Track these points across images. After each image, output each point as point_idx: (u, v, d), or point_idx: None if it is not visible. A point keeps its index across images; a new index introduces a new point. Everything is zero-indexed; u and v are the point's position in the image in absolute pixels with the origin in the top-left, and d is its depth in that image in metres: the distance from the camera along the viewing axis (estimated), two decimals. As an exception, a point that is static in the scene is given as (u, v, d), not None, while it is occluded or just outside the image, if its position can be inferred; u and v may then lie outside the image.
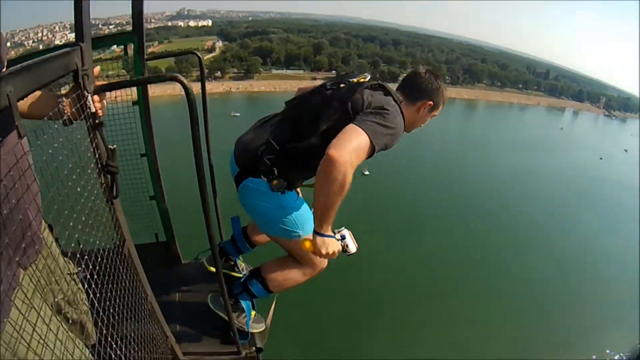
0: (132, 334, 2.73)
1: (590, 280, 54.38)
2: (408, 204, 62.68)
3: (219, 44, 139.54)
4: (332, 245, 2.27)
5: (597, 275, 55.77)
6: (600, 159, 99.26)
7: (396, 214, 58.55)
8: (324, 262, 2.79)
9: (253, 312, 3.29)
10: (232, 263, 3.73)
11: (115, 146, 1.94)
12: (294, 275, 2.88)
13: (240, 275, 3.42)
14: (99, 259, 2.18)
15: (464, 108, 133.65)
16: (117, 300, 2.46)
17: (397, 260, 47.26)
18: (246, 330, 3.31)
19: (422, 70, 2.63)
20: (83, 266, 2.01)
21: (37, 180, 1.59)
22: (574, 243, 61.58)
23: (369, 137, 2.09)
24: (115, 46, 4.13)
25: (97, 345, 2.23)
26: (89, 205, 1.85)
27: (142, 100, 4.19)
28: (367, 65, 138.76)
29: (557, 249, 59.43)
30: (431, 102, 2.58)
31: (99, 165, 1.93)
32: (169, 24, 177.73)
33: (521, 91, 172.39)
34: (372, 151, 2.13)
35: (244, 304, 3.08)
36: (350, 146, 2.02)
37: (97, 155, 1.86)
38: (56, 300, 2.27)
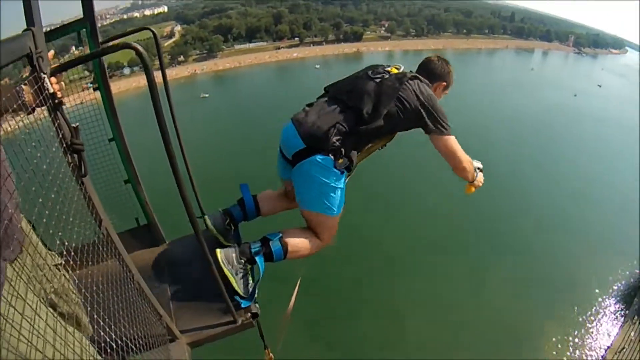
0: (123, 316, 2.88)
1: (586, 212, 55.78)
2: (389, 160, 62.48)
3: (178, 28, 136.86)
4: (480, 177, 3.45)
5: (594, 207, 57.28)
6: (575, 95, 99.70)
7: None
8: (332, 239, 3.21)
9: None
10: (232, 229, 3.73)
11: (77, 124, 2.02)
12: (309, 246, 3.17)
13: (230, 244, 3.41)
14: (80, 245, 2.41)
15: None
16: (103, 284, 2.68)
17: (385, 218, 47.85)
18: (253, 292, 3.41)
19: (434, 58, 3.32)
20: (65, 253, 2.19)
21: (11, 175, 1.63)
22: (564, 176, 63.12)
23: (451, 134, 3.06)
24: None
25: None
26: (62, 193, 1.99)
27: (102, 81, 4.14)
28: (329, 28, 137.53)
29: (549, 181, 60.90)
30: (445, 83, 3.32)
31: (64, 145, 2.01)
32: (125, 17, 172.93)
33: (488, 36, 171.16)
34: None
35: (259, 262, 3.14)
36: (460, 155, 3.13)
37: (60, 135, 1.94)
38: (48, 295, 2.35)
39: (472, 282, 46.77)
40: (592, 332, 46.34)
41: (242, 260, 3.19)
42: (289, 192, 3.60)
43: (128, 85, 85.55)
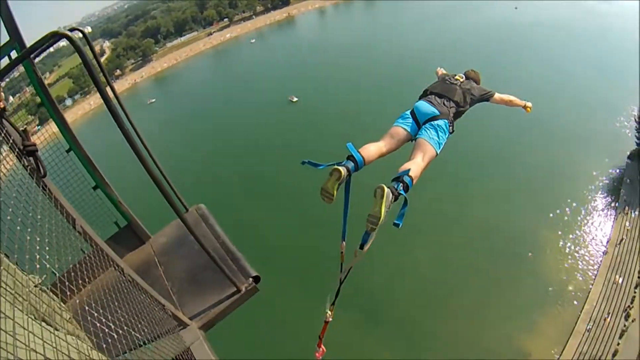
0: (128, 316, 3.38)
1: (560, 112, 56.53)
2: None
3: (106, 44, 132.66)
4: (529, 103, 5.55)
5: (565, 106, 58.09)
6: (516, 8, 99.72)
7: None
8: (429, 163, 4.53)
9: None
10: (349, 177, 4.37)
11: (26, 126, 2.38)
12: (421, 169, 4.37)
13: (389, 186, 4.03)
14: (71, 266, 3.09)
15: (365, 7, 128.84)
16: (103, 295, 3.31)
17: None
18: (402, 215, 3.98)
19: (470, 71, 5.46)
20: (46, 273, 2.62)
21: None
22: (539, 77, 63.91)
23: (494, 92, 5.32)
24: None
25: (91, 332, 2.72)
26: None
27: (42, 92, 4.29)
28: (255, 0, 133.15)
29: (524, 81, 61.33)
30: (478, 80, 5.43)
31: (17, 150, 2.36)
32: (51, 50, 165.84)
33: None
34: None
35: (404, 195, 4.03)
36: (507, 98, 5.36)
37: (11, 141, 2.27)
38: (40, 313, 2.56)
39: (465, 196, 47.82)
40: (589, 229, 47.27)
41: (394, 198, 3.94)
42: (390, 142, 4.73)
43: (74, 115, 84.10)
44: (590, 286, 41.66)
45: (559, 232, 46.23)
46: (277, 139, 60.20)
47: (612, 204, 49.91)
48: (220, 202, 44.60)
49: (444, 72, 5.65)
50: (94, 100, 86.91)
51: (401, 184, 4.03)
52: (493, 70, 64.86)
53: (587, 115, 60.40)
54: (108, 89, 3.98)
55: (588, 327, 38.39)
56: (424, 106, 4.72)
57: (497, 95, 5.24)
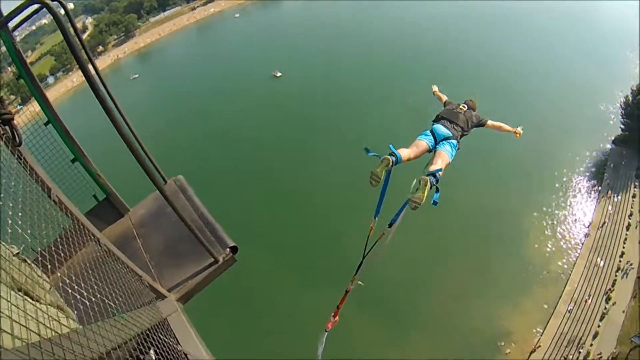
0: (102, 287, 3.47)
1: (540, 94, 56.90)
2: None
3: (89, 20, 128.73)
4: (519, 129, 6.74)
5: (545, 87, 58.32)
6: None
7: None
8: (446, 165, 5.81)
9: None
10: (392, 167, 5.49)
11: (2, 95, 2.24)
12: (444, 166, 5.61)
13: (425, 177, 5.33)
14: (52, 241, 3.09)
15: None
16: (74, 259, 3.32)
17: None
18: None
19: (469, 101, 6.63)
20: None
21: None
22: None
23: (488, 119, 6.52)
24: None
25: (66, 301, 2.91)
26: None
27: (19, 63, 4.14)
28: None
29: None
30: (474, 107, 6.64)
31: None
32: (33, 27, 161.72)
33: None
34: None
35: (436, 185, 5.36)
36: (499, 125, 6.53)
37: None
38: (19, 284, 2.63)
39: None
40: (571, 212, 47.90)
41: (432, 184, 5.25)
42: (416, 151, 5.81)
43: (57, 92, 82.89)
44: (572, 268, 42.34)
45: (543, 215, 46.79)
46: (260, 113, 60.36)
47: (595, 188, 50.58)
48: (201, 176, 44.42)
49: (438, 91, 7.57)
50: (77, 77, 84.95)
51: (434, 178, 5.34)
52: (486, 50, 65.21)
53: (574, 99, 60.85)
54: (90, 66, 4.05)
55: (569, 308, 39.10)
56: (441, 129, 6.06)
57: (489, 122, 6.56)
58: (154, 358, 3.68)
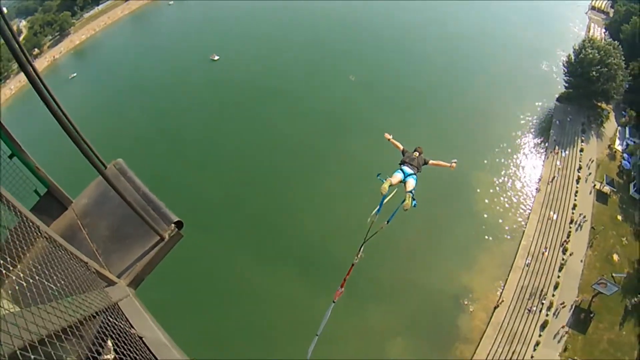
0: (39, 271, 3.45)
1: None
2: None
3: (23, 23, 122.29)
4: (454, 164, 9.20)
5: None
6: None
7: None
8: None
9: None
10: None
11: None
12: (413, 187, 8.33)
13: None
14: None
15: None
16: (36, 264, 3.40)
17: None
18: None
19: (419, 148, 9.21)
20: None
21: None
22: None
23: (429, 161, 9.28)
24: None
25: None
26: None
27: None
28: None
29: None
30: (421, 152, 9.26)
31: None
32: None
33: None
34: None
35: (413, 195, 8.13)
36: (438, 162, 9.27)
37: None
38: None
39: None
40: (521, 169, 48.60)
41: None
42: (396, 180, 8.42)
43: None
44: (526, 223, 42.88)
45: (493, 173, 47.43)
46: (199, 96, 59.89)
47: (543, 145, 51.48)
48: (144, 161, 43.55)
49: (392, 139, 9.44)
50: (14, 84, 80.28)
51: (411, 193, 8.07)
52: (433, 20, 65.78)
53: (518, 59, 61.89)
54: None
55: (527, 262, 39.63)
56: (407, 169, 8.60)
57: (431, 162, 9.07)
58: (111, 347, 3.61)
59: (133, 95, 62.31)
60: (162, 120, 55.79)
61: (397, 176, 8.55)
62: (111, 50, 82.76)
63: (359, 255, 9.20)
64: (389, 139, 9.39)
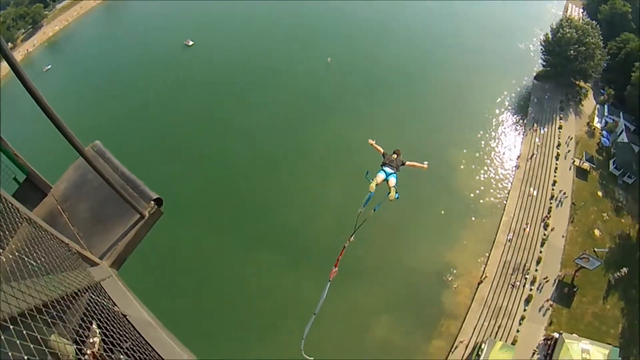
0: (21, 254, 3.49)
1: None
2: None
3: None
4: (425, 165, 10.12)
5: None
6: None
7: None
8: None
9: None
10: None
11: None
12: (394, 184, 9.30)
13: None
14: None
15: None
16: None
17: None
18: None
19: (397, 150, 9.91)
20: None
21: None
22: None
23: (405, 162, 10.04)
24: None
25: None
26: None
27: None
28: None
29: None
30: (400, 154, 9.92)
31: None
32: None
33: None
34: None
35: (396, 189, 9.20)
36: (414, 164, 9.99)
37: None
38: None
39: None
40: (500, 146, 48.91)
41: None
42: (379, 179, 9.22)
43: None
44: (506, 200, 43.20)
45: (472, 151, 47.67)
46: (173, 82, 59.50)
47: (521, 122, 51.91)
48: (122, 149, 42.52)
49: (375, 144, 10.15)
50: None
51: (395, 188, 9.03)
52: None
53: (496, 38, 62.07)
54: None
55: (509, 238, 39.99)
56: (388, 169, 9.46)
57: (408, 163, 9.83)
58: (96, 329, 3.58)
59: (109, 84, 61.52)
60: (139, 107, 55.12)
61: (380, 176, 9.68)
62: (85, 40, 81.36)
63: (350, 239, 10.29)
64: (371, 144, 10.46)
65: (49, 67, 76.05)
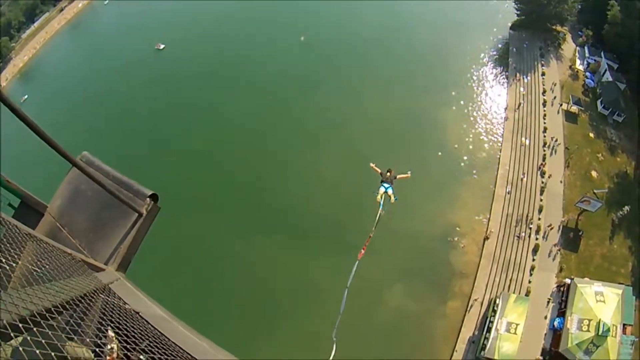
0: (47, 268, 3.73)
1: None
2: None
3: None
4: (409, 174, 14.16)
5: None
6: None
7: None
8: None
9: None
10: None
11: None
12: (393, 194, 12.98)
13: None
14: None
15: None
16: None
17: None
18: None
19: (390, 169, 13.21)
20: None
21: None
22: None
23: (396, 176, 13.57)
24: None
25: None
26: None
27: None
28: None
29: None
30: (393, 172, 13.35)
31: None
32: None
33: None
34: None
35: (394, 195, 13.03)
36: (401, 176, 13.37)
37: None
38: None
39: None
40: (485, 100, 48.69)
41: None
42: (381, 193, 12.49)
43: None
44: (499, 152, 42.94)
45: (458, 108, 47.51)
46: (151, 84, 59.39)
47: (503, 74, 51.58)
48: (107, 155, 42.33)
49: (376, 167, 13.28)
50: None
51: (394, 196, 12.49)
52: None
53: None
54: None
55: (507, 190, 39.74)
56: (386, 185, 12.29)
57: (398, 176, 12.68)
58: (112, 336, 3.46)
59: (86, 99, 61.55)
60: (120, 114, 55.29)
61: (382, 190, 12.55)
62: (56, 63, 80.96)
63: (374, 230, 12.30)
64: (372, 167, 13.62)
65: (26, 97, 75.25)
